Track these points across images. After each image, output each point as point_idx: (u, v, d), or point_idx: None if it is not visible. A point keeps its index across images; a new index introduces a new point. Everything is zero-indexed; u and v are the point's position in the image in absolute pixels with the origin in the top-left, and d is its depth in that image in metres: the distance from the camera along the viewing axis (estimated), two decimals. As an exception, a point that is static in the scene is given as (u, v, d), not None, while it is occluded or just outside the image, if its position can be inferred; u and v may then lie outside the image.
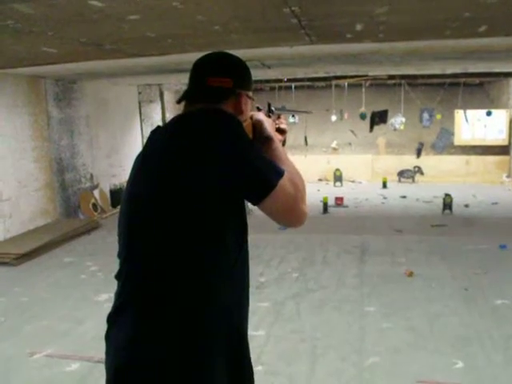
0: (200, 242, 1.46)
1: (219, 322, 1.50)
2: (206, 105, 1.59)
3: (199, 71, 1.65)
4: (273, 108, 1.91)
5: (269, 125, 1.74)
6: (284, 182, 1.46)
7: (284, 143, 1.84)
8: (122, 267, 1.54)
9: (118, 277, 1.56)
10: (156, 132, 1.63)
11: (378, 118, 11.96)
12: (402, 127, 11.76)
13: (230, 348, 1.55)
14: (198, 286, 1.46)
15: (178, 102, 1.68)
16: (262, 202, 1.45)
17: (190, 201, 1.43)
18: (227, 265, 1.52)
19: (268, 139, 1.69)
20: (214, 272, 1.49)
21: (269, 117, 1.85)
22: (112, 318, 1.53)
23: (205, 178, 1.41)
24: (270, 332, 3.98)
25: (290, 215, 1.52)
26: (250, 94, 1.70)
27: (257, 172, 1.44)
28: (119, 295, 1.53)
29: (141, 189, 1.52)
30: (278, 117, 1.93)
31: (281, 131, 1.86)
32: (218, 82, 1.59)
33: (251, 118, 1.73)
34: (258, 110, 1.83)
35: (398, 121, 11.71)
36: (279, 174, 1.47)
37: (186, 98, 1.66)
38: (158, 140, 1.58)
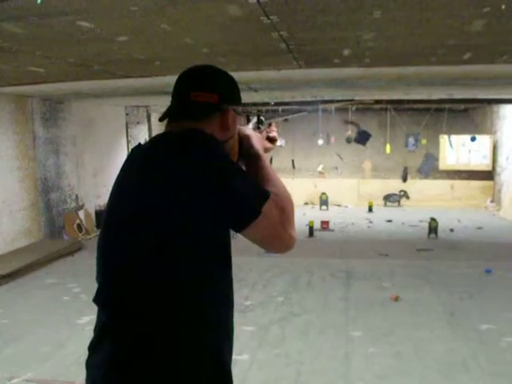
0: (180, 268, 1.38)
1: (202, 349, 1.43)
2: (189, 123, 1.48)
3: (182, 86, 1.54)
4: (262, 118, 1.83)
5: (257, 140, 1.64)
6: (269, 207, 1.37)
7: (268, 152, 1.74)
8: (99, 293, 1.47)
9: (95, 301, 1.48)
10: (134, 151, 1.54)
11: (362, 137, 12.00)
12: (387, 151, 11.86)
13: (214, 376, 1.46)
14: (177, 313, 1.39)
15: (161, 119, 1.57)
16: (246, 229, 1.36)
17: (168, 227, 1.35)
18: (211, 290, 1.45)
19: (255, 156, 1.59)
20: (196, 299, 1.41)
21: (258, 129, 1.77)
22: (92, 345, 1.46)
23: (186, 206, 1.33)
24: (254, 357, 3.93)
25: (277, 242, 1.43)
26: (239, 109, 1.59)
27: (239, 198, 1.34)
28: (98, 321, 1.46)
29: (116, 213, 1.46)
30: (270, 125, 1.84)
31: (271, 140, 1.78)
32: (202, 97, 1.48)
33: (238, 132, 1.62)
34: (248, 120, 1.76)
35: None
36: (264, 198, 1.37)
37: (168, 115, 1.54)
38: (134, 162, 1.50)
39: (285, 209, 1.43)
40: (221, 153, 1.43)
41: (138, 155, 1.50)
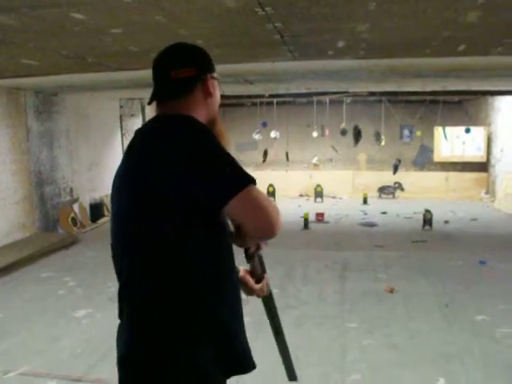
0: (183, 251, 1.46)
1: (208, 328, 1.51)
2: (176, 100, 1.61)
3: (160, 68, 1.65)
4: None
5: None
6: (256, 189, 1.43)
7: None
8: (119, 271, 1.58)
9: (117, 276, 1.59)
10: (135, 137, 1.64)
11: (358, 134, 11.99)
12: (382, 143, 11.85)
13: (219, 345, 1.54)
14: (182, 295, 1.47)
15: (149, 103, 1.68)
16: (233, 199, 1.39)
17: (168, 210, 1.44)
18: (217, 274, 1.53)
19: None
20: (202, 281, 1.49)
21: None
22: (119, 315, 1.59)
23: (181, 185, 1.41)
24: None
25: (261, 218, 1.43)
26: (215, 74, 1.70)
27: (226, 171, 1.42)
28: (118, 296, 1.58)
29: (121, 198, 1.56)
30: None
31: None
32: (181, 74, 1.60)
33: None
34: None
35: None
36: (252, 179, 1.44)
37: (155, 98, 1.66)
38: (133, 148, 1.60)
39: (272, 201, 1.50)
40: (212, 138, 1.50)
41: (136, 141, 1.61)
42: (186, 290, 1.48)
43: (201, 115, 1.62)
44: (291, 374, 2.14)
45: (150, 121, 1.64)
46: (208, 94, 1.65)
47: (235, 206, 1.40)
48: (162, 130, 1.53)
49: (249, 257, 1.78)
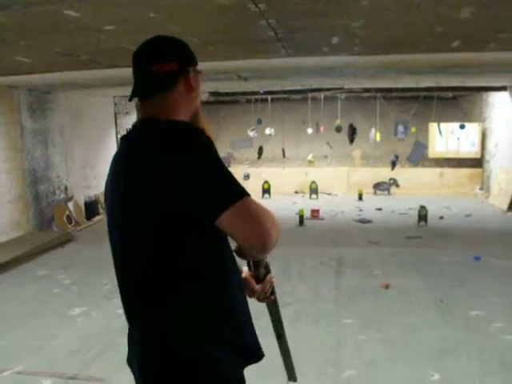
0: (181, 258, 1.43)
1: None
2: (159, 95, 1.54)
3: (141, 62, 1.59)
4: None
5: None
6: (250, 202, 1.36)
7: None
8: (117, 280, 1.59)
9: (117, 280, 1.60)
10: (121, 145, 1.60)
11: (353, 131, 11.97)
12: (377, 139, 11.84)
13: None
14: (188, 298, 1.46)
15: (130, 99, 1.62)
16: (223, 213, 1.32)
17: (162, 219, 1.40)
18: (220, 275, 1.51)
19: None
20: (205, 282, 1.47)
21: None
22: (128, 319, 1.60)
23: (175, 195, 1.36)
24: (246, 346, 3.93)
25: (254, 230, 1.35)
26: (197, 67, 1.64)
27: (220, 181, 1.36)
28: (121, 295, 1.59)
29: (115, 207, 1.53)
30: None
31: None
32: (163, 68, 1.53)
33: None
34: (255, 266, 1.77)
35: (372, 133, 11.80)
36: (245, 192, 1.36)
37: (136, 94, 1.59)
38: (120, 156, 1.56)
39: (269, 213, 1.41)
40: (206, 143, 1.42)
41: (122, 150, 1.57)
42: (190, 292, 1.45)
43: (184, 110, 1.57)
44: (291, 375, 2.12)
45: (135, 126, 1.57)
46: (190, 89, 1.59)
47: (227, 219, 1.33)
48: (151, 138, 1.44)
49: (252, 265, 1.75)
